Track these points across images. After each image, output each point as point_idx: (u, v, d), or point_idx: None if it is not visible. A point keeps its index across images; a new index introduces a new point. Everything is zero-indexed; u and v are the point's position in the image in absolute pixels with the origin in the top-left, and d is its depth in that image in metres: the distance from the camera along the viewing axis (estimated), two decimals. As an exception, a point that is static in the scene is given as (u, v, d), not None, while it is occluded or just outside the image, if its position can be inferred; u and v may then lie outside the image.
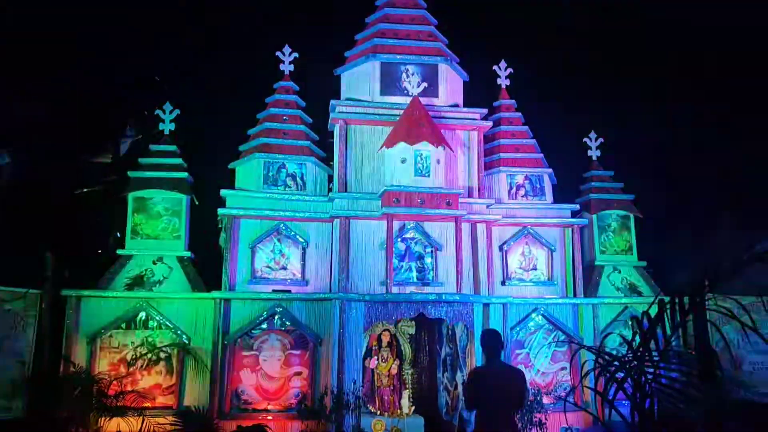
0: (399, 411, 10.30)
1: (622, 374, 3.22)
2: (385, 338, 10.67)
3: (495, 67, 12.12)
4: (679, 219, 11.58)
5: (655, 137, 12.80)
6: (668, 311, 3.34)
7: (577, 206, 11.20)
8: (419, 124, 9.80)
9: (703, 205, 11.60)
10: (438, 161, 9.94)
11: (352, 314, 9.24)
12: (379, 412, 10.32)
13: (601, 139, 12.24)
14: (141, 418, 7.54)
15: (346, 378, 8.99)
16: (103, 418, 8.18)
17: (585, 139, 12.28)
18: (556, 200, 11.43)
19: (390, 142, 9.90)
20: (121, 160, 10.14)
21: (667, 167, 12.15)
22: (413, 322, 10.80)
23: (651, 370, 3.16)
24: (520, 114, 11.86)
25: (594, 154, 12.21)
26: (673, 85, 12.96)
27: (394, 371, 10.65)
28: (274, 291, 9.48)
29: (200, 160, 11.12)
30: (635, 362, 3.18)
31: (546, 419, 8.65)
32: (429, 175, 9.79)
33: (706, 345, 10.34)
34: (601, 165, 12.16)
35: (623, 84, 13.59)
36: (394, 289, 9.68)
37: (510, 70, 12.14)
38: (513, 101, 11.96)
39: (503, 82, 12.07)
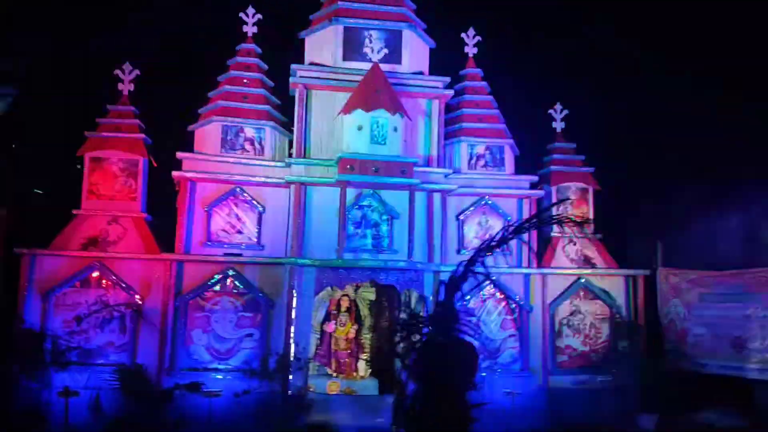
0: (355, 373, 10.61)
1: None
2: (344, 303, 10.89)
3: (463, 35, 11.98)
4: (640, 193, 11.68)
5: (622, 110, 12.79)
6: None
7: (536, 178, 11.27)
8: (377, 91, 9.76)
9: (665, 179, 11.69)
10: (395, 129, 9.94)
11: (303, 279, 9.39)
12: (335, 374, 10.63)
13: (566, 111, 12.24)
14: (88, 374, 7.74)
15: (295, 341, 9.20)
16: (53, 372, 8.39)
17: (550, 111, 12.28)
18: (519, 172, 11.48)
19: (347, 109, 9.88)
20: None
21: (631, 140, 12.19)
22: (373, 288, 11.01)
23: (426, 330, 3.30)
24: (485, 83, 11.79)
25: (558, 126, 12.23)
26: (645, 58, 12.88)
27: (352, 335, 10.90)
28: (226, 254, 9.59)
29: (162, 122, 11.06)
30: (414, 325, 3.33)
31: (482, 384, 8.90)
32: (385, 143, 9.80)
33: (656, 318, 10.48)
34: (564, 137, 12.20)
35: (595, 56, 13.48)
36: (349, 256, 9.81)
37: (478, 38, 11.99)
38: (479, 70, 11.87)
39: (470, 50, 11.94)
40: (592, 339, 10.92)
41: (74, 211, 9.80)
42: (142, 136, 10.25)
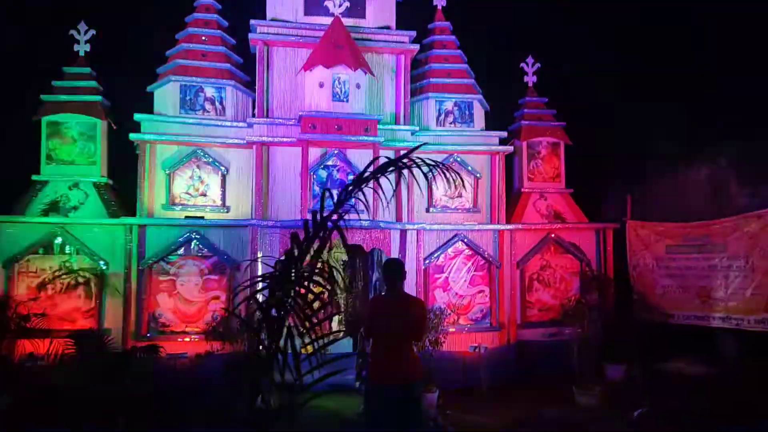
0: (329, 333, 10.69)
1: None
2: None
3: (431, -14, 11.62)
4: (610, 147, 11.58)
5: (595, 62, 12.55)
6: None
7: (505, 133, 11.11)
8: (337, 47, 9.49)
9: (636, 133, 11.59)
10: (358, 86, 9.72)
11: (267, 240, 9.31)
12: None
13: (537, 65, 12.00)
14: (49, 340, 7.70)
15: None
16: (17, 341, 8.35)
17: (522, 64, 12.04)
18: (489, 127, 11.31)
19: (308, 65, 9.62)
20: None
21: (602, 94, 12.00)
22: (344, 250, 10.96)
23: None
24: (454, 37, 11.49)
25: (530, 80, 12.01)
26: (620, 10, 12.57)
27: (325, 296, 10.92)
28: (187, 217, 9.48)
29: (121, 83, 10.74)
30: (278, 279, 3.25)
31: (444, 339, 8.98)
32: (347, 101, 9.59)
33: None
34: (537, 92, 12.01)
35: (569, 7, 13.15)
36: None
37: (447, -12, 11.64)
38: (448, 23, 11.55)
39: (439, 2, 11.61)
40: (561, 292, 10.99)
41: (33, 177, 9.62)
42: (100, 98, 9.97)
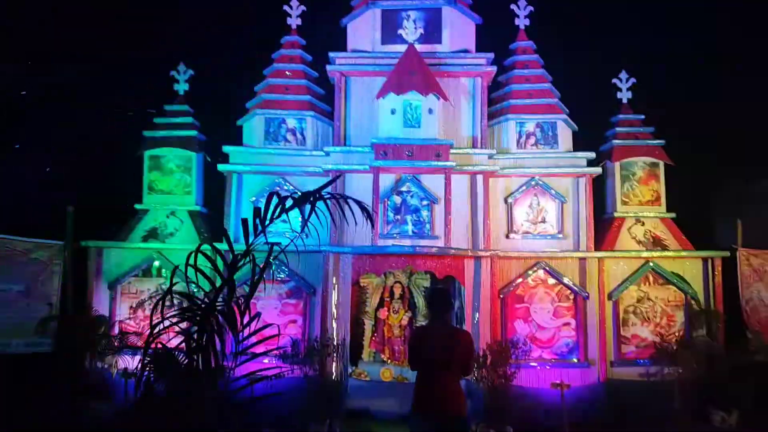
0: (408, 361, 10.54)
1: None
2: (397, 290, 10.87)
3: (513, 6, 11.33)
4: (716, 167, 10.42)
5: (697, 78, 11.44)
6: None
7: (593, 154, 10.41)
8: (410, 73, 9.51)
9: (745, 153, 10.35)
10: (430, 111, 9.64)
11: (340, 266, 9.43)
12: (389, 361, 10.65)
13: (633, 80, 11.19)
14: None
15: (332, 327, 9.29)
16: (117, 355, 9.13)
17: (614, 80, 11.29)
18: (578, 149, 10.69)
19: (381, 93, 9.74)
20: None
21: (705, 110, 10.88)
22: (428, 275, 10.83)
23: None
24: (537, 56, 11.06)
25: (624, 96, 11.21)
26: (721, 20, 11.41)
27: (405, 322, 10.84)
28: (266, 244, 9.83)
29: (217, 118, 11.58)
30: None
31: (516, 373, 8.43)
32: (419, 126, 9.55)
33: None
34: (631, 108, 11.17)
35: (663, 20, 12.16)
36: (390, 243, 9.70)
37: (530, 8, 11.29)
38: (531, 43, 11.16)
39: (522, 22, 11.26)
40: (663, 328, 9.95)
41: (136, 206, 10.57)
42: (195, 132, 10.79)
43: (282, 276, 9.76)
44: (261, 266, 3.79)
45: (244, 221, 3.57)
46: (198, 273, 3.35)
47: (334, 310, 9.46)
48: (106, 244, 10.12)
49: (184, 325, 3.35)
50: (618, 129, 10.95)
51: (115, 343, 9.30)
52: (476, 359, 8.10)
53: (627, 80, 11.19)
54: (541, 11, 11.35)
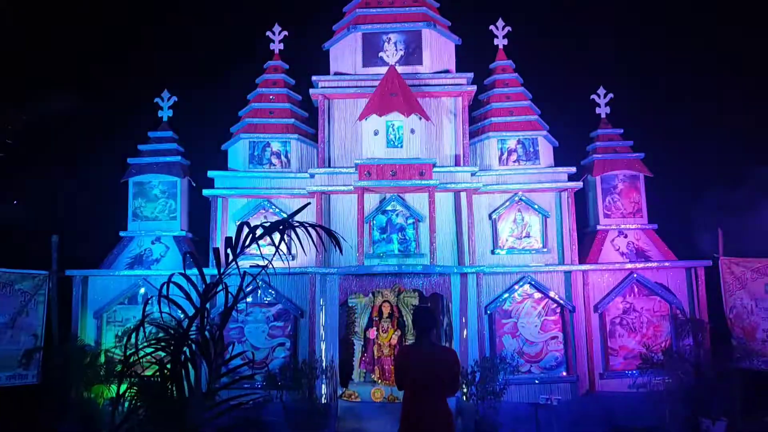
0: (398, 380, 10.49)
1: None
2: (386, 309, 10.85)
3: (492, 27, 11.57)
4: (696, 177, 10.61)
5: (672, 90, 11.71)
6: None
7: (573, 169, 10.57)
8: (391, 94, 9.65)
9: (724, 161, 10.56)
10: (412, 131, 9.77)
11: (327, 287, 9.44)
12: (379, 381, 10.59)
13: (610, 95, 11.43)
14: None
15: (320, 349, 9.26)
16: (108, 384, 9.03)
17: (593, 96, 11.52)
18: (559, 164, 10.86)
19: (363, 115, 9.86)
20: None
21: (683, 121, 11.12)
22: (416, 293, 10.86)
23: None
24: (516, 75, 11.29)
25: (603, 111, 11.44)
26: (695, 35, 11.72)
27: (395, 341, 10.82)
28: (251, 266, 9.83)
29: (201, 144, 11.64)
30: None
31: (504, 391, 8.45)
32: (402, 146, 9.66)
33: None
34: (609, 123, 11.39)
35: (636, 37, 12.47)
36: (375, 262, 9.74)
37: (508, 28, 11.54)
38: (509, 62, 11.39)
39: (500, 42, 11.50)
40: (650, 338, 10.03)
41: (121, 234, 10.54)
42: (179, 158, 10.82)
43: (269, 299, 9.75)
44: (234, 294, 3.81)
45: (216, 251, 3.62)
46: (173, 302, 3.37)
47: (322, 332, 9.46)
48: (91, 273, 10.06)
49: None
50: (598, 143, 11.15)
51: (101, 373, 9.22)
52: (465, 376, 8.12)
53: (605, 95, 11.43)
54: (518, 31, 11.63)
